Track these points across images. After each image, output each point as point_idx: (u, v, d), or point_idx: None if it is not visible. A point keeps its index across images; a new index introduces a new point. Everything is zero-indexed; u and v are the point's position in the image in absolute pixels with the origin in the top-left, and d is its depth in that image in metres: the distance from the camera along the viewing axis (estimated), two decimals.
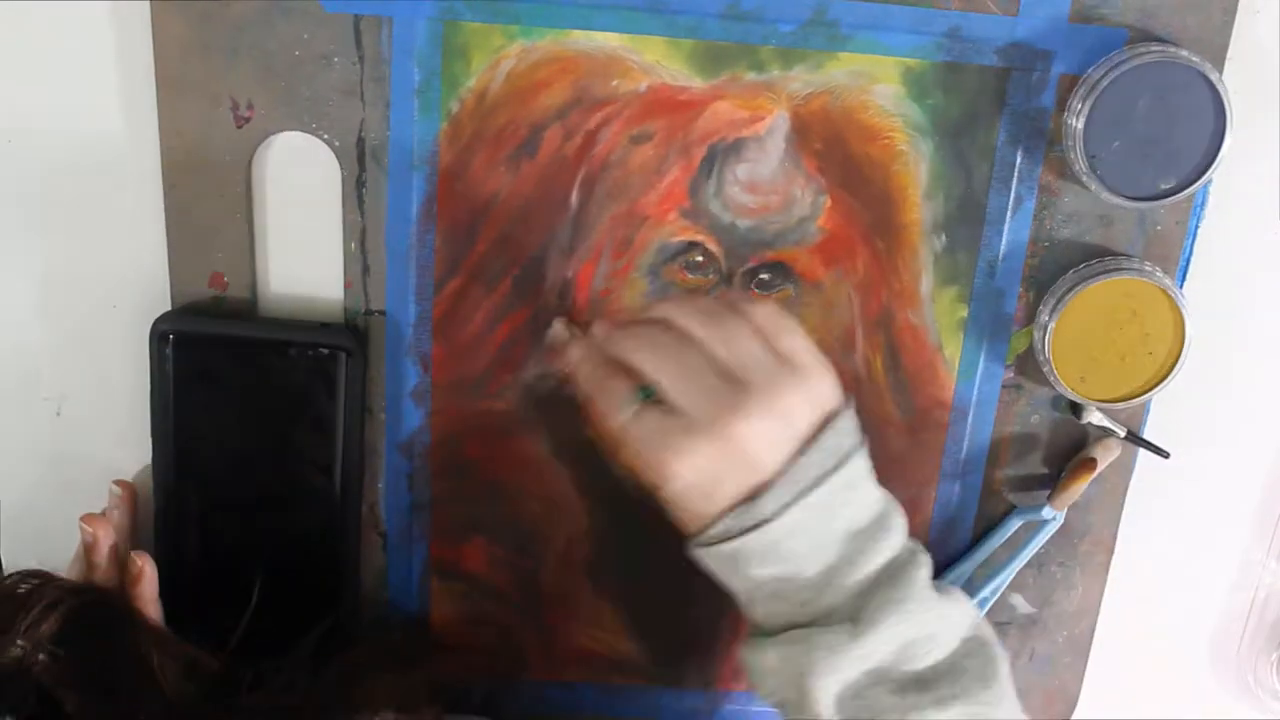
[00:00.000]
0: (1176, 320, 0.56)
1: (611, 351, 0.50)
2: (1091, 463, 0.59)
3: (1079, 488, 0.60)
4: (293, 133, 0.55)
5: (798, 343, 0.49)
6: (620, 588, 0.63)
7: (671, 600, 0.63)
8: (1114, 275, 0.55)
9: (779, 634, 0.48)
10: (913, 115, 0.55)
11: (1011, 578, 0.62)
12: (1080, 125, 0.53)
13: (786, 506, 0.47)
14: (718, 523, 0.47)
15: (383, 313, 0.58)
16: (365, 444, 0.59)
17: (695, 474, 0.47)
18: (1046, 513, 0.61)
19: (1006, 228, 0.57)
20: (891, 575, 0.48)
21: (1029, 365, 0.59)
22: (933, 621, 0.48)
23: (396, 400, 0.59)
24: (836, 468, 0.47)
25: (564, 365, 0.54)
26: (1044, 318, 0.57)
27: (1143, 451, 0.60)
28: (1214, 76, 0.52)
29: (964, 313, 0.58)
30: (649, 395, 0.48)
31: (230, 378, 0.57)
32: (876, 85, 0.55)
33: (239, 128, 0.54)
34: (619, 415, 0.48)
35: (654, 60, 0.54)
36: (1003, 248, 0.57)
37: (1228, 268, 0.58)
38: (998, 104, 0.55)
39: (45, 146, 0.55)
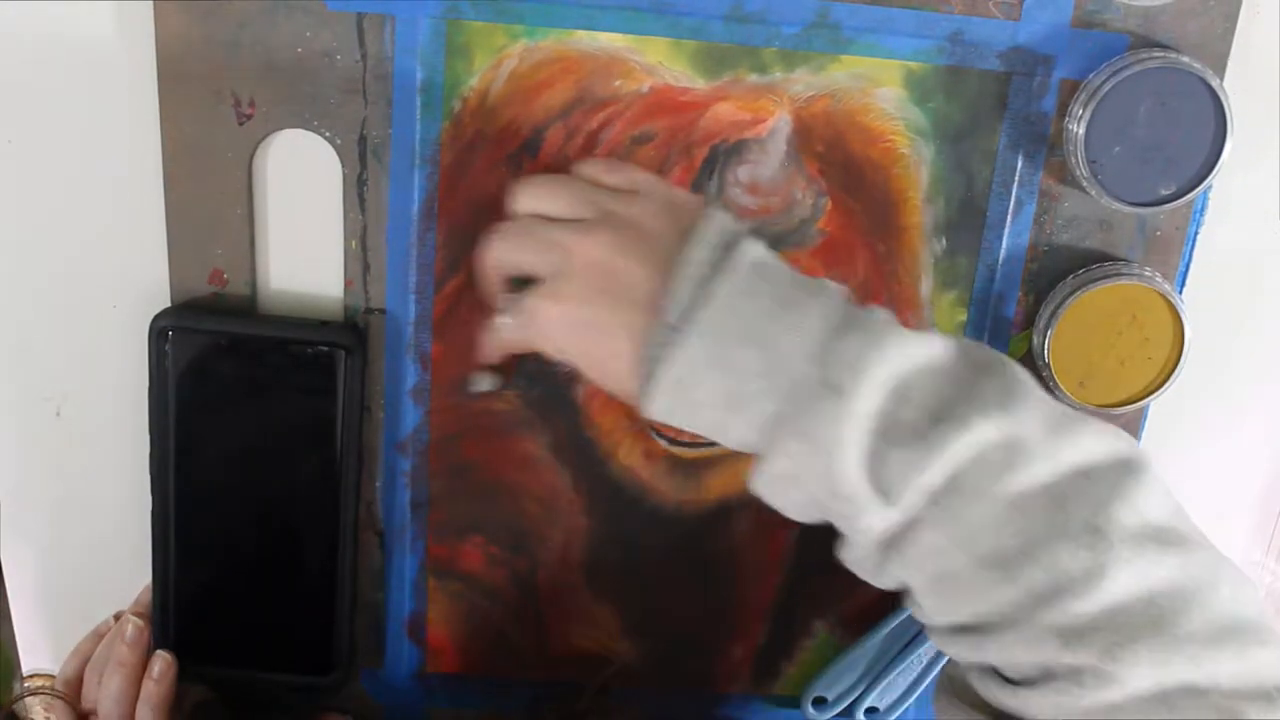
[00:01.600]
0: (1176, 325, 0.56)
1: (483, 267, 0.50)
2: None
3: None
4: (294, 130, 0.55)
5: (623, 171, 0.48)
6: (617, 588, 0.63)
7: (668, 600, 0.63)
8: (1114, 280, 0.55)
9: (772, 444, 0.44)
10: (914, 119, 0.55)
11: None
12: (1081, 130, 0.53)
13: (693, 306, 0.43)
14: (641, 364, 0.43)
15: (383, 311, 0.58)
16: (363, 442, 0.59)
17: (574, 326, 0.44)
18: None
19: (1007, 232, 0.57)
20: (848, 323, 0.43)
21: (1028, 370, 0.59)
22: (918, 355, 0.43)
23: (395, 399, 0.59)
24: (728, 252, 0.44)
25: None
26: (1043, 322, 0.57)
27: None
28: (1215, 83, 0.52)
29: (963, 316, 0.58)
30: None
31: (229, 374, 0.56)
32: (878, 88, 0.55)
33: (240, 124, 0.54)
34: (503, 317, 0.48)
35: (656, 61, 0.54)
36: (1003, 252, 0.57)
37: (1227, 273, 0.58)
38: (999, 108, 0.55)
39: (46, 144, 0.55)
